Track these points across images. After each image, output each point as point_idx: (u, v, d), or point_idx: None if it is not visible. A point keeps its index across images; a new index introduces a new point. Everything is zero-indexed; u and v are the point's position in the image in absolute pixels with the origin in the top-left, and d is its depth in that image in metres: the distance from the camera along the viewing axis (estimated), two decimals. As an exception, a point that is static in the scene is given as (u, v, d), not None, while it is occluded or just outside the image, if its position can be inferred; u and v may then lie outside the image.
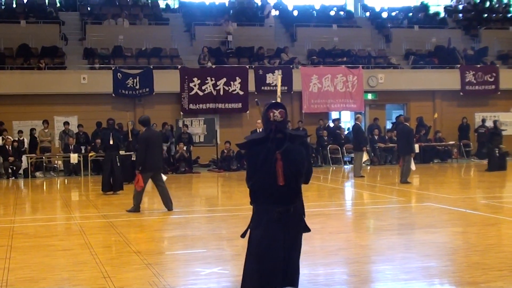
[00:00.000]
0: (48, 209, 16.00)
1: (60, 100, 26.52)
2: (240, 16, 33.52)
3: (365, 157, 22.31)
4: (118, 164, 18.52)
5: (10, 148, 24.34)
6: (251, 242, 6.33)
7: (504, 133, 26.08)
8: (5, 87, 25.86)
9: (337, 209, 15.60)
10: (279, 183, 6.03)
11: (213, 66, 28.63)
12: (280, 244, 6.19)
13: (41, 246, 10.40)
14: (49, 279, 8.15)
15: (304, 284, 7.69)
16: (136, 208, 14.09)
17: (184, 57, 30.08)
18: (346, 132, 28.80)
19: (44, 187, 21.69)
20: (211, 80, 27.90)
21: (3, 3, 33.19)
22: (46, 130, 25.45)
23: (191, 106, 27.60)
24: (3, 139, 24.71)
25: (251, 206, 6.28)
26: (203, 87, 27.77)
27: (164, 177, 14.61)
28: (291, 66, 29.22)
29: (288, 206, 6.21)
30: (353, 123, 25.18)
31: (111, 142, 18.56)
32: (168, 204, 14.32)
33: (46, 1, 33.54)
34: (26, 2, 33.09)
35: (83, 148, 25.08)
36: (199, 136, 27.46)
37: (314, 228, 12.19)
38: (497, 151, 24.13)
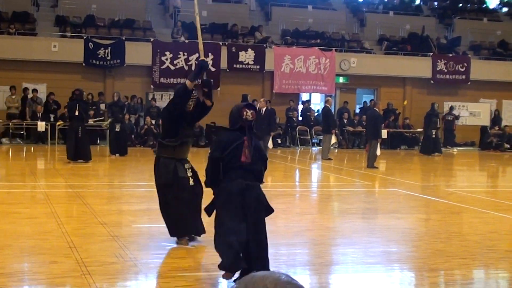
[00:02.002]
0: (14, 176, 15.87)
1: (29, 67, 26.15)
2: (216, -9, 33.30)
3: (333, 140, 22.47)
4: (80, 135, 18.24)
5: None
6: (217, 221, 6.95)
7: (472, 122, 26.40)
8: (-27, 50, 25.47)
9: (303, 190, 15.73)
10: (242, 160, 6.81)
11: (186, 41, 28.46)
12: (244, 224, 6.78)
13: (6, 213, 10.34)
14: (14, 246, 8.12)
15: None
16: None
17: (157, 30, 29.84)
18: (315, 114, 28.91)
19: (10, 154, 21.48)
20: (184, 54, 27.74)
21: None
22: (14, 97, 25.14)
23: (162, 80, 27.44)
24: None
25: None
26: (175, 62, 27.61)
27: None
28: (265, 46, 29.16)
29: (249, 182, 6.84)
30: (323, 106, 25.28)
31: (76, 113, 18.34)
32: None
33: (19, -35, 32.96)
34: (-1, -35, 32.50)
35: (52, 116, 24.82)
36: (169, 111, 27.28)
37: (279, 208, 12.30)
38: (433, 133, 24.88)
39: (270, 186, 15.18)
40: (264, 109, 20.29)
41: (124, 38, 27.40)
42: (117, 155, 20.53)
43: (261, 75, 28.83)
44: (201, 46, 9.13)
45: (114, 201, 12.31)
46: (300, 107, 29.66)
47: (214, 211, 7.03)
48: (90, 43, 26.66)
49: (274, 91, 28.85)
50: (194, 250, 8.31)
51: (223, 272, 6.77)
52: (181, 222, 8.52)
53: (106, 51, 26.83)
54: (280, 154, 24.17)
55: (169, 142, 8.52)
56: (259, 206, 6.99)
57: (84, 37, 26.89)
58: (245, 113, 6.94)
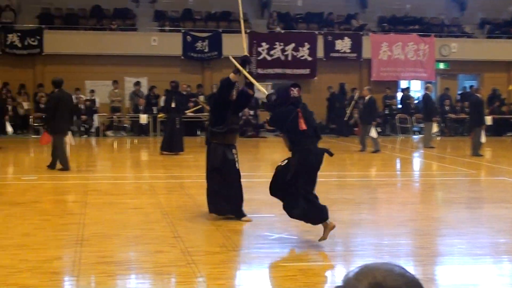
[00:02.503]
0: (119, 167, 16.33)
1: (130, 61, 26.84)
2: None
3: (435, 127, 21.96)
4: (178, 126, 18.52)
5: (83, 107, 24.85)
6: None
7: None
8: (78, 47, 26.30)
9: (406, 179, 15.47)
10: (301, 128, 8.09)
11: (282, 31, 28.48)
12: None
13: (114, 203, 10.65)
14: (122, 236, 8.35)
15: (369, 253, 7.68)
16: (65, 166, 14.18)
17: (253, 21, 29.99)
18: (415, 102, 28.37)
19: (115, 146, 22.12)
20: (280, 45, 27.78)
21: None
22: (116, 90, 25.86)
23: (259, 70, 27.56)
24: (76, 98, 25.22)
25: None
26: (272, 52, 27.69)
27: (71, 140, 14.78)
28: (361, 33, 28.82)
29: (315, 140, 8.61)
30: (423, 93, 24.77)
31: (172, 105, 18.56)
32: (53, 164, 14.36)
33: (119, -38, 33.82)
34: (100, -37, 33.44)
35: (154, 109, 25.34)
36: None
37: (381, 198, 12.18)
38: None
39: (371, 176, 15.03)
40: (367, 97, 20.01)
41: (221, 31, 27.69)
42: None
43: (358, 63, 28.53)
44: (244, 44, 10.64)
45: (216, 191, 12.44)
46: (399, 94, 29.16)
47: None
48: (188, 36, 27.09)
49: (371, 79, 28.49)
50: (297, 240, 8.31)
51: (324, 263, 6.72)
52: (223, 199, 9.28)
53: (204, 43, 27.19)
54: (380, 143, 23.84)
55: (218, 129, 9.27)
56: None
57: (182, 31, 27.34)
58: (291, 92, 8.18)
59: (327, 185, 13.51)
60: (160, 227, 8.80)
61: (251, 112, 25.69)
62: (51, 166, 14.37)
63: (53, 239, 8.07)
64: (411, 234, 8.93)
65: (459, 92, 30.41)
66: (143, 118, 24.60)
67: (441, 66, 29.49)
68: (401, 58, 28.67)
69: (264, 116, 26.85)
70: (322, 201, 11.30)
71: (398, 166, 17.54)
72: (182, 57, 27.11)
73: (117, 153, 20.36)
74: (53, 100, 14.86)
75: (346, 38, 28.28)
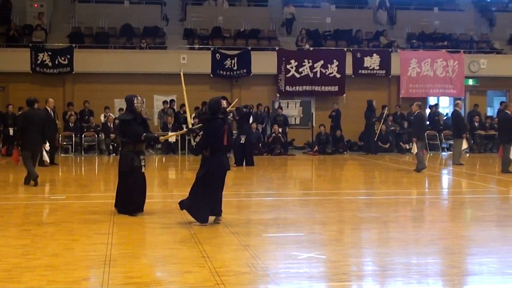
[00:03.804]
0: (148, 186, 16.32)
1: (160, 79, 27.04)
2: (340, -2, 33.18)
3: (464, 144, 21.75)
4: (192, 142, 18.58)
5: (111, 125, 25.01)
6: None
7: None
8: (108, 65, 26.57)
9: (434, 197, 15.32)
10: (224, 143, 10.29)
11: (311, 49, 28.52)
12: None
13: (141, 222, 10.68)
14: (150, 256, 8.36)
15: (399, 273, 7.60)
16: (34, 179, 15.04)
17: (282, 39, 30.08)
18: (444, 118, 28.17)
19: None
20: (308, 62, 27.81)
21: (107, -16, 34.03)
22: (143, 109, 25.92)
23: (287, 88, 27.62)
24: (105, 116, 25.45)
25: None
26: (300, 69, 27.72)
27: (46, 158, 16.17)
28: (390, 50, 28.76)
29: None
30: (452, 109, 24.60)
31: None
32: (26, 179, 15.19)
33: (148, -19, 34.19)
34: (129, -18, 33.83)
35: (184, 126, 25.42)
36: (295, 118, 27.50)
37: (409, 216, 12.06)
38: None
39: (398, 194, 14.91)
40: (416, 113, 19.84)
41: (250, 48, 27.81)
42: (243, 166, 20.53)
43: (387, 80, 28.46)
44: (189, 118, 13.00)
45: (244, 210, 12.44)
46: (428, 111, 28.97)
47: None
48: (217, 54, 27.24)
49: (400, 96, 28.39)
50: (325, 259, 8.26)
51: (353, 283, 6.66)
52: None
53: (233, 61, 27.32)
54: (408, 160, 23.69)
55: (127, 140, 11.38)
56: None
57: (211, 49, 27.50)
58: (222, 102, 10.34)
59: (355, 203, 13.45)
60: (188, 247, 8.80)
61: (280, 130, 25.68)
62: (26, 182, 15.26)
63: (82, 259, 8.11)
64: (440, 253, 8.83)
65: (491, 108, 30.15)
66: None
67: (470, 82, 29.29)
68: (430, 74, 28.54)
69: (292, 135, 26.86)
70: (351, 219, 11.26)
71: (427, 183, 17.38)
72: (211, 75, 27.25)
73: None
74: (20, 119, 15.72)
75: (374, 55, 28.24)
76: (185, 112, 25.51)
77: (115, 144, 24.90)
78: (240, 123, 20.92)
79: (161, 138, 11.64)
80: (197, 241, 9.13)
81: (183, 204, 10.54)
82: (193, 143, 11.16)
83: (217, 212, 10.46)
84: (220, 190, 10.48)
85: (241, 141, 20.48)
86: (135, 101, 11.37)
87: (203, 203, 10.31)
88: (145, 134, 11.21)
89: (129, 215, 11.09)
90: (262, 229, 10.17)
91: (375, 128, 26.05)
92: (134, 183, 11.20)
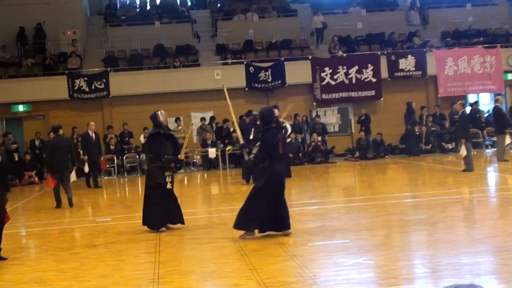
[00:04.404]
0: (191, 203, 16.43)
1: (195, 96, 27.16)
2: (370, 2, 33.03)
3: (508, 140, 21.40)
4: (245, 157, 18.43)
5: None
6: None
7: None
8: (143, 87, 26.79)
9: (481, 195, 15.09)
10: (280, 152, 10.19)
11: (344, 55, 28.41)
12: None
13: (187, 239, 10.72)
14: (197, 272, 8.37)
15: (449, 274, 7.48)
16: (57, 205, 16.01)
17: (314, 47, 30.04)
18: (486, 115, 27.77)
19: (185, 182, 22.34)
20: (343, 68, 27.69)
21: (137, 6, 34.40)
22: (180, 127, 26.13)
23: (323, 96, 27.52)
24: (144, 137, 25.61)
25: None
26: (335, 76, 27.61)
27: (73, 178, 16.74)
28: (425, 50, 28.50)
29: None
30: (493, 106, 24.25)
31: (251, 137, 18.56)
32: (70, 202, 16.01)
33: (178, 1, 34.48)
34: (159, 3, 34.18)
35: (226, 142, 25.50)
36: (334, 126, 27.39)
37: (457, 216, 11.88)
38: None
39: (444, 194, 14.72)
40: (460, 112, 19.55)
41: (283, 59, 27.80)
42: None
43: (423, 81, 28.18)
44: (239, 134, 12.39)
45: (288, 220, 12.37)
46: (468, 109, 28.59)
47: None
48: (250, 67, 27.29)
49: (439, 96, 28.07)
50: (373, 264, 8.17)
51: (403, 287, 6.57)
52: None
53: (267, 73, 27.34)
54: (452, 160, 23.41)
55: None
56: None
57: (245, 62, 27.57)
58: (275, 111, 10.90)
59: (400, 206, 13.31)
60: (234, 260, 8.80)
61: (319, 138, 25.59)
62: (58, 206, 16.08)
63: (131, 279, 8.16)
64: (491, 252, 8.67)
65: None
66: (212, 152, 24.81)
67: (510, 77, 28.84)
68: (467, 72, 28.18)
69: (331, 142, 26.74)
70: (397, 223, 11.15)
71: (473, 182, 17.12)
72: (246, 88, 27.30)
73: (187, 189, 20.52)
74: (48, 146, 16.91)
75: (409, 56, 27.99)
76: (227, 128, 25.62)
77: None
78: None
79: (179, 156, 11.56)
80: (244, 253, 9.11)
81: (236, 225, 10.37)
82: (247, 158, 11.05)
83: (284, 226, 10.23)
84: (280, 201, 10.21)
85: None
86: (159, 115, 11.44)
87: (253, 213, 10.12)
88: (166, 157, 11.27)
89: (151, 229, 11.36)
90: (307, 238, 10.11)
91: (416, 131, 25.81)
92: (157, 199, 11.28)
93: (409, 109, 26.08)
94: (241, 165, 20.03)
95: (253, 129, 18.72)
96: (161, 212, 11.33)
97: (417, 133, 25.77)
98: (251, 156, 10.54)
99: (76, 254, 10.04)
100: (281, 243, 9.68)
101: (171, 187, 11.42)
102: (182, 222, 11.58)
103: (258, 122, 13.12)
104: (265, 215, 10.10)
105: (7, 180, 10.09)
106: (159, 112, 11.46)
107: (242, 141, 11.76)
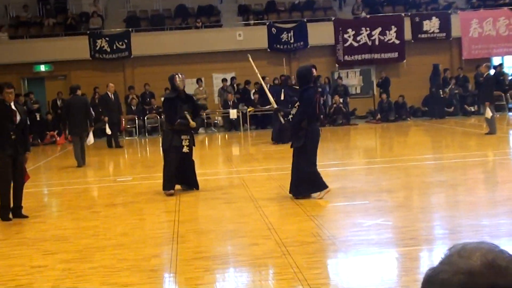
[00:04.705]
0: (212, 163, 16.49)
1: (217, 57, 27.07)
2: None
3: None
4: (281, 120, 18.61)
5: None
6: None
7: None
8: (165, 47, 26.74)
9: (503, 158, 14.96)
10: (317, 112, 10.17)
11: (368, 16, 28.09)
12: None
13: (207, 199, 10.76)
14: (217, 231, 8.42)
15: (468, 235, 7.45)
16: (79, 163, 16.16)
17: (337, 8, 29.73)
18: (510, 78, 27.42)
19: (206, 143, 22.39)
20: (366, 30, 27.41)
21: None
22: (201, 88, 26.10)
23: (346, 57, 27.31)
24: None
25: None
26: (358, 38, 27.36)
27: (91, 139, 16.83)
28: (449, 12, 28.10)
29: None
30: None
31: (281, 98, 18.75)
32: (79, 160, 16.17)
33: (200, -39, 34.17)
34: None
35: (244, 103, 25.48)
36: (356, 88, 27.21)
37: (478, 178, 11.80)
38: None
39: (465, 157, 14.63)
40: (485, 74, 19.29)
41: (305, 20, 27.57)
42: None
43: (447, 43, 27.85)
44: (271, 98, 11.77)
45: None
46: (492, 71, 28.21)
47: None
48: (273, 29, 27.11)
49: (463, 58, 27.75)
50: (392, 225, 8.16)
51: (422, 247, 6.56)
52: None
53: (289, 34, 27.15)
54: (474, 122, 23.22)
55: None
56: None
57: (267, 23, 27.38)
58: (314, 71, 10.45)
59: (421, 168, 13.25)
60: (253, 220, 8.83)
61: (341, 100, 25.45)
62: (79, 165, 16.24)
63: (150, 237, 8.22)
64: (510, 213, 8.62)
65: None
66: (233, 114, 24.79)
67: (536, 39, 28.39)
68: (492, 34, 27.80)
69: (353, 104, 26.60)
70: (417, 185, 11.13)
71: (495, 145, 16.97)
72: (268, 50, 27.15)
73: (207, 150, 20.58)
74: (65, 106, 17.28)
75: (434, 18, 27.64)
76: (257, 91, 25.52)
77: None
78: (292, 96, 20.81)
79: (191, 124, 11.23)
80: (262, 214, 9.14)
81: (295, 193, 10.14)
82: (283, 121, 10.77)
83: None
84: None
85: None
86: (177, 79, 11.32)
87: (313, 173, 10.06)
88: (179, 120, 11.09)
89: (164, 191, 11.18)
90: (327, 199, 10.11)
91: (441, 93, 25.59)
92: (172, 162, 11.11)
93: (435, 71, 25.81)
94: (271, 126, 20.07)
95: (282, 90, 18.84)
96: (172, 175, 11.17)
97: (443, 96, 25.53)
98: (289, 117, 10.19)
99: (97, 213, 10.13)
100: (301, 204, 9.69)
101: (188, 150, 11.24)
102: (196, 187, 11.49)
103: (293, 82, 12.93)
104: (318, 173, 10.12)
105: (28, 140, 10.14)
106: (176, 75, 11.34)
107: (275, 105, 11.46)
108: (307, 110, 9.95)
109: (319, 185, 10.05)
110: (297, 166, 10.03)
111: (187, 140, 11.20)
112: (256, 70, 12.52)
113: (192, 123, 11.19)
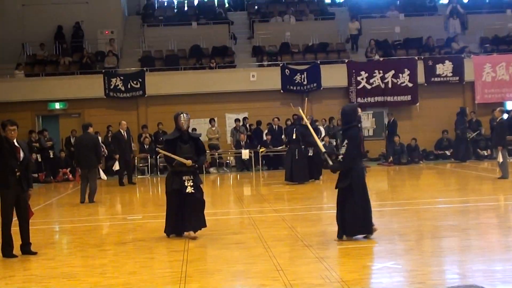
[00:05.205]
0: (222, 203, 16.46)
1: (230, 98, 27.21)
2: (408, 6, 32.77)
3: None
4: (297, 157, 19.52)
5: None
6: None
7: None
8: (179, 87, 26.92)
9: (516, 203, 14.84)
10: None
11: (381, 59, 28.22)
12: None
13: (216, 239, 10.71)
14: (225, 271, 8.36)
15: (480, 280, 7.37)
16: (81, 199, 16.67)
17: (351, 50, 29.90)
18: (524, 123, 27.32)
19: (218, 183, 22.38)
20: (379, 73, 27.50)
21: (175, 7, 34.63)
22: (214, 128, 26.17)
23: (359, 99, 27.35)
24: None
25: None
26: (371, 80, 27.45)
27: (102, 175, 17.71)
28: (463, 56, 28.19)
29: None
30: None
31: (293, 136, 19.65)
32: (90, 197, 16.68)
33: (216, 2, 34.59)
34: (197, 4, 34.36)
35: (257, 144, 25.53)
36: (368, 130, 27.22)
37: (490, 223, 11.69)
38: None
39: (477, 201, 14.53)
40: (498, 119, 19.28)
41: (319, 62, 27.73)
42: (314, 180, 20.26)
43: (460, 87, 27.87)
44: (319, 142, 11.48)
45: (317, 223, 12.32)
46: (505, 116, 28.17)
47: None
48: (286, 70, 27.27)
49: (476, 102, 27.73)
50: (401, 269, 8.08)
51: None
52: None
53: (302, 76, 27.29)
54: (487, 167, 23.11)
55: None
56: None
57: (280, 65, 27.55)
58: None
59: (433, 212, 13.16)
60: (262, 261, 8.77)
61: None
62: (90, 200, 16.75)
63: (158, 276, 8.18)
64: (523, 260, 8.52)
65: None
66: (245, 154, 24.82)
67: (548, 84, 28.36)
68: (505, 78, 27.83)
69: (366, 146, 26.52)
70: (428, 228, 11.03)
71: (507, 189, 16.85)
72: (282, 91, 27.27)
73: (218, 189, 20.56)
74: (75, 143, 18.40)
75: (447, 61, 27.72)
76: (269, 132, 25.59)
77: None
78: (307, 135, 20.77)
79: (187, 163, 10.82)
80: (271, 255, 9.09)
81: (350, 233, 10.04)
82: (331, 162, 10.42)
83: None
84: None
85: (309, 154, 20.21)
86: (181, 119, 11.12)
87: (361, 213, 9.94)
88: (176, 161, 10.85)
89: (166, 234, 11.07)
90: (336, 241, 10.03)
91: (468, 136, 25.62)
92: (171, 206, 11.01)
93: (462, 113, 25.87)
94: (283, 167, 20.21)
95: (294, 129, 19.72)
96: (173, 219, 10.98)
97: (469, 138, 25.66)
98: (339, 157, 10.05)
99: (106, 251, 10.11)
100: (310, 245, 9.64)
101: (192, 191, 10.82)
102: (199, 228, 10.97)
103: (306, 122, 12.77)
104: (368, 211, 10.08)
105: (30, 177, 10.16)
106: (181, 115, 11.14)
107: (323, 149, 11.00)
108: (354, 148, 10.00)
109: (369, 228, 10.03)
110: (348, 207, 9.95)
111: (190, 180, 10.88)
112: (306, 120, 12.70)
113: (188, 162, 10.85)
